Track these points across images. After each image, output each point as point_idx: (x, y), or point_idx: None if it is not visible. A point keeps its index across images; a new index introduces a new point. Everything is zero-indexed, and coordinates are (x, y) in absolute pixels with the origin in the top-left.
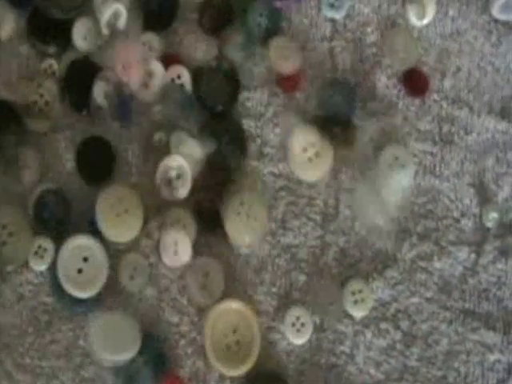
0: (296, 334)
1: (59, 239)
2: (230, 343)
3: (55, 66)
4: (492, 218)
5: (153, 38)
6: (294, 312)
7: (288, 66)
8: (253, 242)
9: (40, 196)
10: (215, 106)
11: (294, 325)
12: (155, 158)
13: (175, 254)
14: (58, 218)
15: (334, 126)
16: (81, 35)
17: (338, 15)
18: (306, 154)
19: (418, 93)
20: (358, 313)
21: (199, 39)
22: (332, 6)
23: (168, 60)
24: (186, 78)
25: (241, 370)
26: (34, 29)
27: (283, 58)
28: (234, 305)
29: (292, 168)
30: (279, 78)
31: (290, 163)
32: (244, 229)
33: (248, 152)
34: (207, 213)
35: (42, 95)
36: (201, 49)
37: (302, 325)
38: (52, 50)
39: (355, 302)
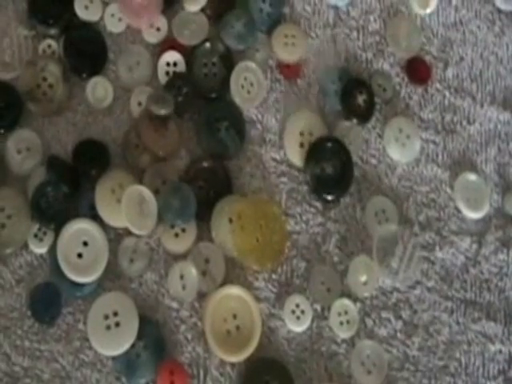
0: (296, 321)
1: (58, 227)
2: (230, 329)
3: (54, 47)
4: None
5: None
6: (294, 299)
7: (291, 55)
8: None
9: (39, 186)
10: (209, 91)
11: (293, 312)
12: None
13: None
14: (57, 209)
15: None
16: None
17: (342, 2)
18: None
19: (421, 81)
20: (344, 334)
21: (189, 20)
22: None
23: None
24: (181, 65)
25: (241, 356)
26: (36, 11)
27: (287, 46)
28: (234, 290)
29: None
30: (281, 65)
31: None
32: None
33: (249, 138)
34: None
35: (45, 78)
36: (190, 29)
37: (302, 312)
38: (53, 31)
39: (341, 323)
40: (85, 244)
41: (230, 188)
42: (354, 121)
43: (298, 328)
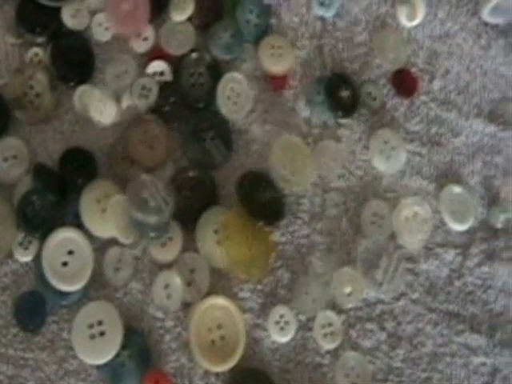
0: (279, 332)
1: (43, 235)
2: (214, 339)
3: (41, 55)
4: (502, 218)
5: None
6: (278, 310)
7: (278, 66)
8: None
9: (25, 195)
10: (196, 100)
11: (277, 323)
12: None
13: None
14: (42, 218)
15: None
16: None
17: (328, 14)
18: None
19: (407, 93)
20: (329, 345)
21: (176, 30)
22: (322, 4)
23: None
24: (168, 75)
25: (225, 366)
26: (23, 19)
27: (273, 57)
28: (219, 301)
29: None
30: (268, 76)
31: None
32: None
33: (236, 148)
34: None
35: (32, 87)
36: (177, 39)
37: (286, 323)
38: (41, 39)
39: (325, 335)
40: (70, 253)
41: (216, 198)
42: (339, 113)
43: (282, 339)
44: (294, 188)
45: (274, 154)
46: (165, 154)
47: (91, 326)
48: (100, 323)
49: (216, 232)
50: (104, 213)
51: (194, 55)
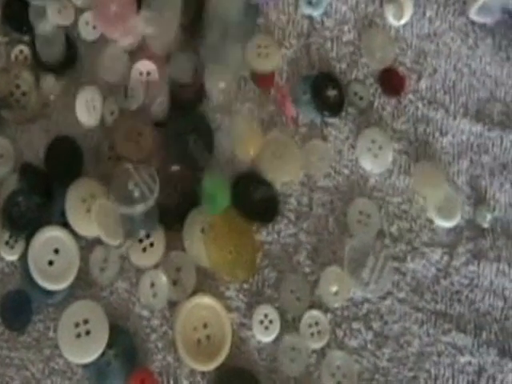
0: (264, 331)
1: (29, 234)
2: (200, 338)
3: (27, 52)
4: (488, 218)
5: None
6: (263, 310)
7: (265, 66)
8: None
9: (11, 195)
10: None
11: (262, 322)
12: None
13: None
14: (28, 218)
15: None
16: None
17: (316, 13)
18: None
19: (394, 92)
20: (315, 344)
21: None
22: (310, 3)
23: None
24: (154, 75)
25: (211, 366)
26: (9, 18)
27: (261, 57)
28: (205, 300)
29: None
30: (254, 75)
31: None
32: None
33: (221, 148)
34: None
35: (18, 86)
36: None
37: (270, 322)
38: (27, 38)
39: (312, 335)
40: (56, 252)
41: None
42: (326, 113)
43: (266, 338)
44: (285, 177)
45: (262, 149)
46: (151, 150)
47: (77, 325)
48: (86, 322)
49: (203, 231)
50: (89, 212)
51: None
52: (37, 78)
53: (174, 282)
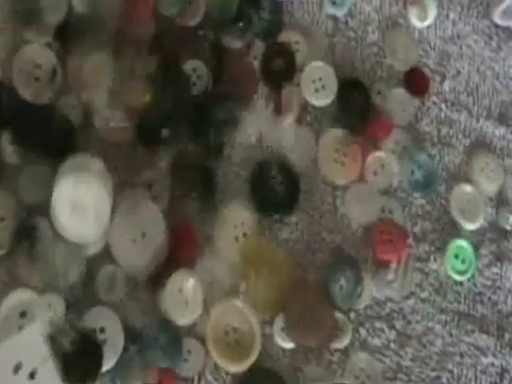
0: (284, 337)
1: None
2: (230, 341)
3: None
4: (511, 220)
5: None
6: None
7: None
8: None
9: None
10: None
11: (283, 329)
12: None
13: None
14: None
15: None
16: None
17: (340, 12)
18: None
19: (419, 93)
20: (338, 344)
21: None
22: (334, 3)
23: None
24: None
25: (240, 367)
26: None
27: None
28: (235, 303)
29: None
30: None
31: None
32: None
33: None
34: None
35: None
36: None
37: None
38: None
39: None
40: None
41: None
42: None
43: (287, 344)
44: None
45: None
46: None
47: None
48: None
49: (235, 227)
50: None
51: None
52: None
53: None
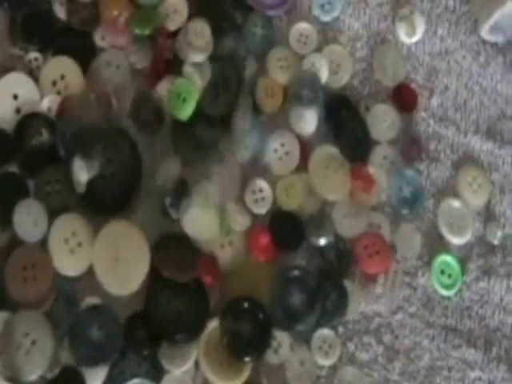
0: (274, 353)
1: None
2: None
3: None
4: (498, 235)
5: None
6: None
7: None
8: None
9: None
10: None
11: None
12: None
13: None
14: None
15: None
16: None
17: (327, 18)
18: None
19: (407, 108)
20: (326, 362)
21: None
22: (322, 7)
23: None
24: None
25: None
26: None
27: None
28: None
29: None
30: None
31: None
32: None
33: None
34: None
35: None
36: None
37: (280, 345)
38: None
39: (323, 351)
40: None
41: None
42: None
43: (276, 359)
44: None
45: None
46: None
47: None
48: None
49: None
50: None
51: None
52: None
53: None
